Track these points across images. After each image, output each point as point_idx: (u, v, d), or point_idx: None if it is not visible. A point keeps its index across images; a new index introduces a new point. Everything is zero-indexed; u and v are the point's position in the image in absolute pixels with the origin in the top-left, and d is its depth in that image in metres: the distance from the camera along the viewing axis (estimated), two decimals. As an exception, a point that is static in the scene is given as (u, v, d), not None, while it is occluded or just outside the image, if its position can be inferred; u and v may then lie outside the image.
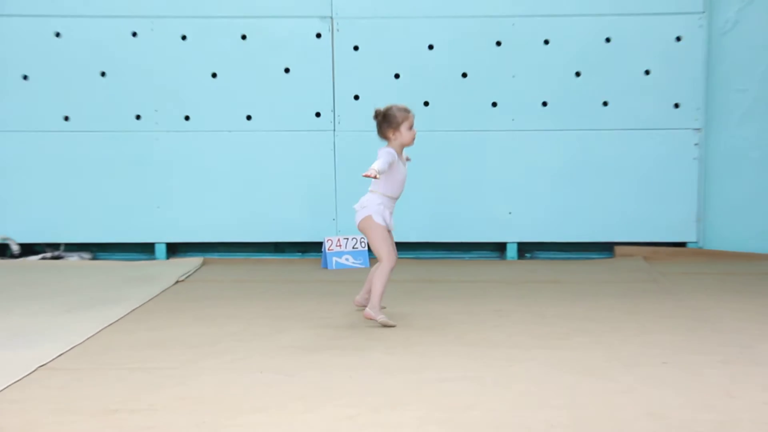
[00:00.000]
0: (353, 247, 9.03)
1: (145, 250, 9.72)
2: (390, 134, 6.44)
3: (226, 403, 4.73)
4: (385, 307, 6.68)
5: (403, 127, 6.40)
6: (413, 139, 6.48)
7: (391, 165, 6.29)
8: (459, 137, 9.47)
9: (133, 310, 7.02)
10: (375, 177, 6.11)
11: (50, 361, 5.51)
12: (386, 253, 6.35)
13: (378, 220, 6.37)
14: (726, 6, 9.46)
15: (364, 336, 6.10)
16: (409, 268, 8.93)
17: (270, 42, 9.47)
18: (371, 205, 6.42)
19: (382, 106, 6.51)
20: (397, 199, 6.53)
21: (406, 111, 6.45)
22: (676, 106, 9.43)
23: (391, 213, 6.50)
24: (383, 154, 6.32)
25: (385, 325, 6.34)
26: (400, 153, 6.46)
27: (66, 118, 9.52)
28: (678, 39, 9.38)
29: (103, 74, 9.50)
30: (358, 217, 6.44)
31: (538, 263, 9.38)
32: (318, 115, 9.47)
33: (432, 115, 9.40)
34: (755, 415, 4.50)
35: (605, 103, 9.46)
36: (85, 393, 4.91)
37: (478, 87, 9.47)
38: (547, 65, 9.45)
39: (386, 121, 6.43)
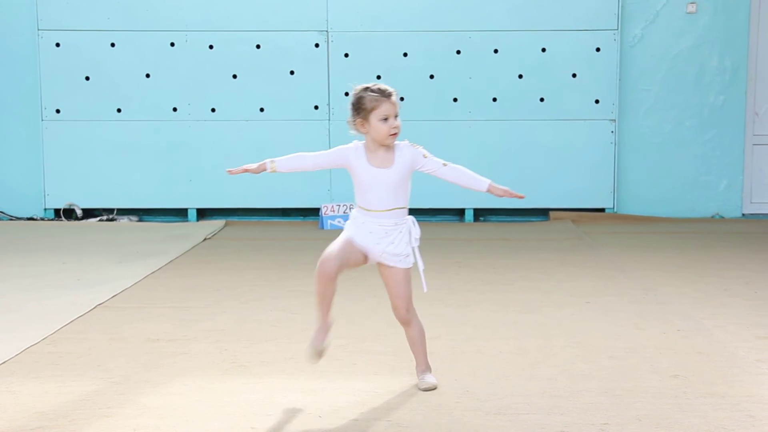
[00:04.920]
0: (344, 212, 8.96)
1: (180, 214, 9.66)
2: (359, 126, 3.66)
3: (243, 335, 4.70)
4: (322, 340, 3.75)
5: (373, 118, 3.61)
6: (388, 136, 3.64)
7: (342, 166, 3.74)
8: (427, 125, 9.42)
9: (171, 261, 6.97)
10: (246, 171, 3.76)
11: (106, 300, 5.48)
12: (326, 251, 3.70)
13: (347, 230, 3.79)
14: (634, 24, 9.46)
15: (352, 283, 6.06)
16: (388, 228, 8.89)
17: (279, 50, 9.40)
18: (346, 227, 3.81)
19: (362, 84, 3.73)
20: (382, 212, 3.68)
21: (382, 95, 3.62)
22: (597, 101, 9.41)
23: (376, 233, 3.70)
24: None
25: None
26: (374, 149, 3.69)
27: (119, 110, 9.45)
28: (597, 50, 9.35)
29: (147, 76, 9.42)
30: None
31: (490, 225, 9.37)
32: (316, 107, 9.41)
33: (406, 108, 9.33)
34: (656, 342, 4.51)
35: (542, 99, 9.43)
36: (133, 326, 4.88)
37: (442, 86, 9.42)
38: (496, 69, 9.41)
39: (355, 108, 3.66)
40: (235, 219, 9.59)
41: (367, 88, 3.66)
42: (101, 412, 3.52)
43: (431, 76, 9.42)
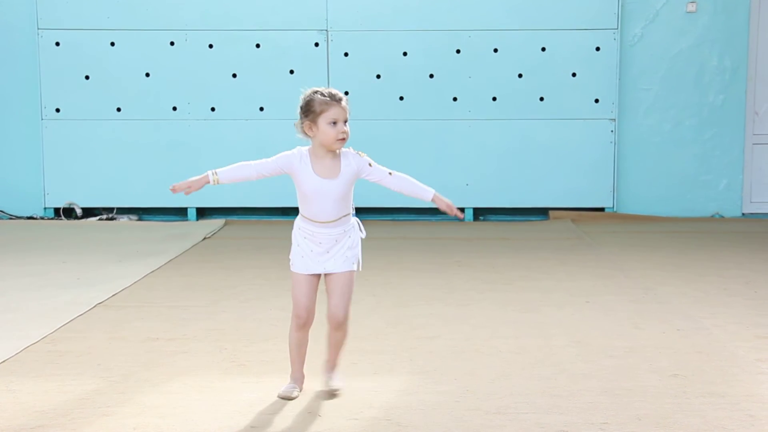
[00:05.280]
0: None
1: (180, 213, 9.66)
2: (307, 129, 3.61)
3: (242, 334, 4.71)
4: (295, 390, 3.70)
5: (322, 121, 3.54)
6: (336, 140, 3.55)
7: (286, 173, 3.74)
8: (427, 125, 9.42)
9: (170, 260, 6.97)
10: (189, 188, 3.60)
11: (105, 299, 5.48)
12: (293, 305, 3.72)
13: (293, 266, 3.76)
14: (634, 24, 9.46)
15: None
16: (388, 228, 8.90)
17: (278, 49, 9.40)
18: (293, 241, 3.76)
19: (310, 89, 3.67)
20: (328, 223, 3.62)
21: (332, 99, 3.56)
22: (596, 101, 9.41)
23: (326, 243, 3.64)
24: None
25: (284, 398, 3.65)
26: (320, 155, 3.63)
27: (118, 109, 9.45)
28: (597, 49, 9.35)
29: (147, 75, 9.42)
30: None
31: (490, 224, 9.36)
32: (316, 107, 9.41)
33: (406, 108, 9.38)
34: (656, 342, 4.52)
35: (541, 99, 9.42)
36: (133, 325, 4.88)
37: (442, 85, 9.42)
38: (496, 69, 9.41)
39: (303, 111, 3.62)
40: (234, 218, 9.60)
41: (317, 91, 3.59)
42: (101, 411, 3.52)
43: (431, 76, 9.42)
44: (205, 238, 8.17)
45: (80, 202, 9.52)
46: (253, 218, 9.64)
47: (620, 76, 9.42)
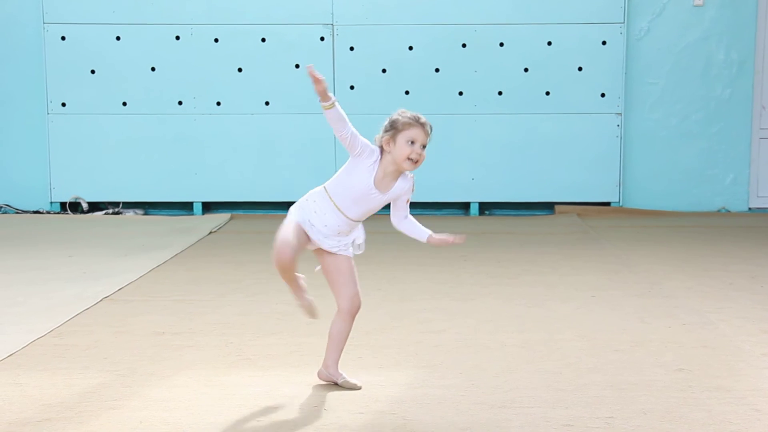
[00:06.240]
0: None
1: (185, 207, 9.67)
2: (385, 142, 3.65)
3: (248, 328, 4.72)
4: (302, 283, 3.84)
5: (401, 138, 3.60)
6: (408, 159, 3.61)
7: (352, 150, 3.74)
8: (432, 119, 9.26)
9: (176, 254, 6.98)
10: (317, 81, 3.74)
11: (112, 293, 5.50)
12: (280, 237, 3.62)
13: (295, 215, 3.76)
14: (640, 17, 9.44)
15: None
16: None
17: (284, 44, 9.40)
18: (302, 199, 3.84)
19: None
20: (349, 220, 3.70)
21: (416, 122, 3.65)
22: (602, 95, 9.40)
23: (331, 228, 3.68)
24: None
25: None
26: (387, 172, 3.68)
27: (124, 104, 9.46)
28: (603, 43, 9.34)
29: (153, 69, 9.43)
30: None
31: (495, 218, 9.37)
32: (322, 101, 9.42)
33: (411, 102, 9.36)
34: (661, 336, 4.52)
35: (547, 93, 9.42)
36: (139, 319, 4.90)
37: (447, 80, 9.42)
38: (502, 63, 9.40)
39: (386, 128, 3.68)
40: (240, 212, 9.61)
41: (403, 113, 3.69)
42: (107, 404, 3.53)
43: (437, 70, 9.42)
44: (210, 233, 8.18)
45: (86, 197, 9.54)
46: (259, 212, 9.65)
47: (626, 70, 9.41)
